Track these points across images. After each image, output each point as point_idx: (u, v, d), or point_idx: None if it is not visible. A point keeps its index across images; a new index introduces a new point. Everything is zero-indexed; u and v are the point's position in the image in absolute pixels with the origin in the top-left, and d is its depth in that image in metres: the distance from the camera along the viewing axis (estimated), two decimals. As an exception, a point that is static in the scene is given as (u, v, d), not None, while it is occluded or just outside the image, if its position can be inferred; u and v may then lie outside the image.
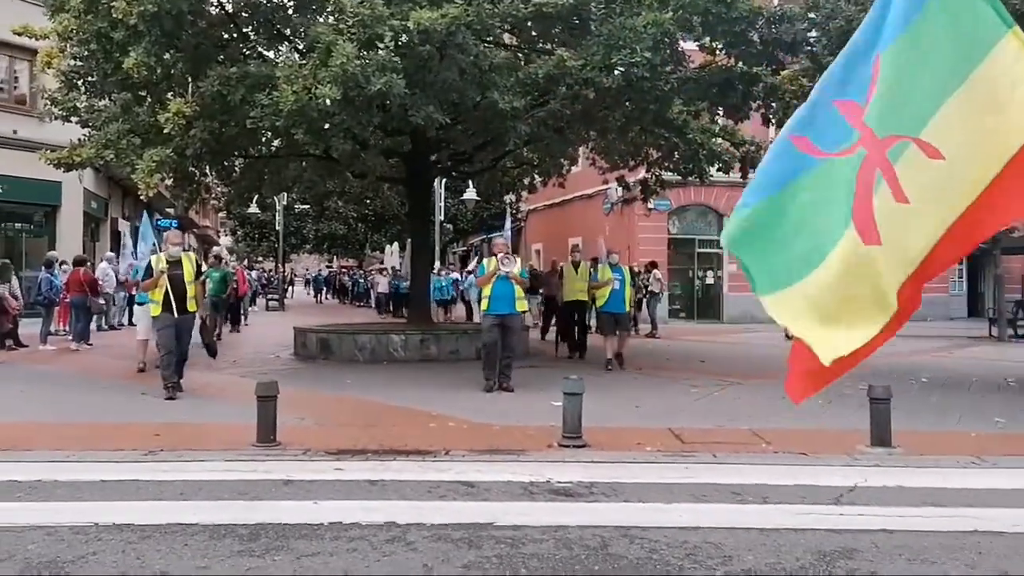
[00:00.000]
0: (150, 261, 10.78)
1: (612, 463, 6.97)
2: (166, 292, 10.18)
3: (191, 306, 10.48)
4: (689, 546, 4.84)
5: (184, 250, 10.95)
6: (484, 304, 11.30)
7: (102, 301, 16.41)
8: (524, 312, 11.78)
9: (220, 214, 52.92)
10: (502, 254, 11.31)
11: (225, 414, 9.37)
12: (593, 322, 15.86)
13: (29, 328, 16.86)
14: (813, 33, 12.60)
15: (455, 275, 28.58)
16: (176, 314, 10.23)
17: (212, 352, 12.32)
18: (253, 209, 32.95)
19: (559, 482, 6.29)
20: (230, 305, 21.36)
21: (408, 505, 5.68)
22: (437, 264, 27.23)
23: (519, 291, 11.27)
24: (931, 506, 5.71)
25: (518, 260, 11.59)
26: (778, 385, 11.46)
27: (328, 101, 10.20)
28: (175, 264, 10.37)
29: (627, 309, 14.09)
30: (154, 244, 12.28)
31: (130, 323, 18.63)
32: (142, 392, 10.60)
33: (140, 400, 10.14)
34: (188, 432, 8.19)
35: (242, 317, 24.29)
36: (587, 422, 7.67)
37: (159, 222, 30.18)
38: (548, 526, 5.18)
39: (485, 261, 12.21)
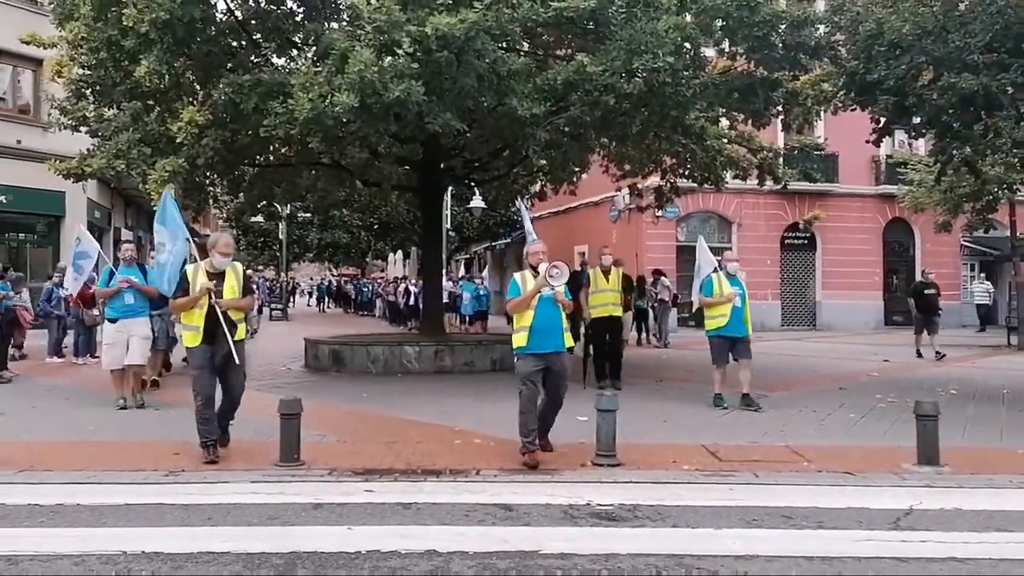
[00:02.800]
0: (184, 272, 7.86)
1: (652, 484, 6.73)
2: (207, 316, 7.46)
3: (240, 333, 7.72)
4: (751, 577, 4.60)
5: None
6: (521, 339, 7.54)
7: (95, 312, 15.99)
8: (572, 348, 8.17)
9: (221, 223, 52.71)
10: (548, 264, 7.53)
11: (243, 430, 9.04)
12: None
13: (36, 340, 16.68)
14: (838, 36, 12.38)
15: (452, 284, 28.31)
16: (215, 345, 7.52)
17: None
18: (257, 218, 32.73)
19: (600, 505, 6.05)
20: None
21: (447, 531, 5.44)
22: (458, 272, 26.86)
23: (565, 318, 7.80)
24: (995, 531, 5.47)
25: (566, 272, 7.72)
26: (803, 397, 11.42)
27: (342, 108, 9.99)
28: (218, 279, 7.66)
29: (749, 332, 10.92)
30: (187, 239, 9.56)
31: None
32: (155, 408, 10.34)
33: (154, 416, 9.88)
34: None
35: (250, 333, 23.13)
36: (617, 438, 7.43)
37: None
38: (597, 554, 4.93)
39: (517, 276, 7.83)
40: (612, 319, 12.58)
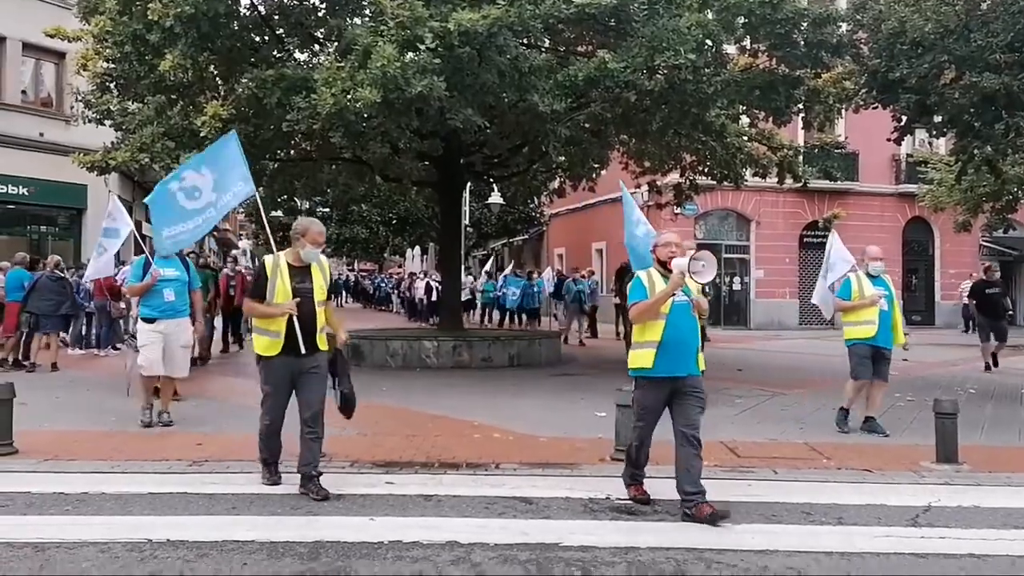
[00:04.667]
0: (262, 265, 6.41)
1: (671, 478, 6.68)
2: (289, 320, 6.17)
3: (322, 342, 6.35)
4: (769, 572, 4.63)
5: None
6: (644, 358, 5.83)
7: (123, 305, 16.17)
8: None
9: (240, 216, 52.99)
10: (689, 257, 5.78)
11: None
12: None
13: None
14: (860, 34, 12.37)
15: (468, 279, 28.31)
16: (301, 355, 6.21)
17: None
18: (276, 213, 32.85)
19: (620, 499, 6.08)
20: (227, 316, 17.23)
21: (467, 523, 5.49)
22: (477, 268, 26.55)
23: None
24: (1013, 528, 5.49)
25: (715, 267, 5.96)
26: (822, 395, 11.40)
27: (364, 103, 10.06)
28: (302, 274, 6.29)
29: (895, 343, 9.18)
30: (250, 192, 7.50)
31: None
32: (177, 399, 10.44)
33: (176, 407, 9.95)
34: (230, 442, 7.99)
35: (243, 332, 18.93)
36: (636, 434, 7.49)
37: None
38: (618, 547, 4.98)
39: (642, 275, 6.02)
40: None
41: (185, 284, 9.11)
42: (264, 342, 6.25)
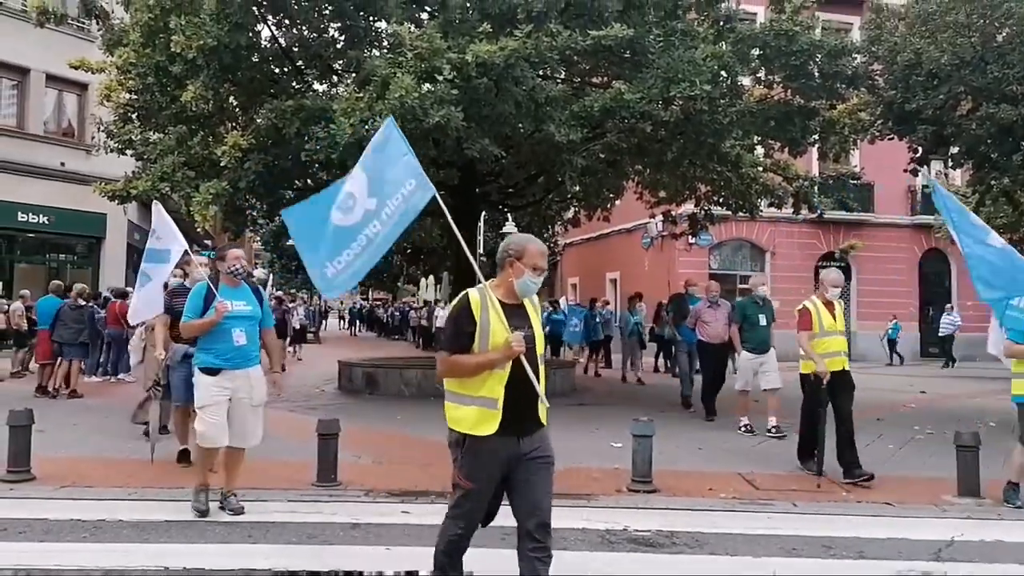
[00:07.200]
0: (465, 301, 4.13)
1: (689, 510, 6.71)
2: (510, 383, 4.04)
3: (543, 413, 4.26)
4: (791, 605, 4.59)
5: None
6: None
7: (134, 336, 16.18)
8: None
9: (256, 245, 53.22)
10: None
11: (279, 450, 9.16)
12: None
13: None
14: (876, 66, 12.42)
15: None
16: (520, 435, 4.16)
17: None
18: (292, 242, 33.00)
19: (637, 531, 6.05)
20: None
21: (484, 553, 5.43)
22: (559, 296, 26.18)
23: None
24: (1039, 564, 5.42)
25: None
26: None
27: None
28: (519, 315, 4.18)
29: None
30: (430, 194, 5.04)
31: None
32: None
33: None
34: (245, 469, 7.96)
35: None
36: (653, 464, 7.44)
37: (201, 254, 30.18)
38: (636, 579, 4.94)
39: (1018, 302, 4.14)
40: (845, 374, 8.24)
41: (257, 322, 6.71)
42: (470, 415, 4.06)
